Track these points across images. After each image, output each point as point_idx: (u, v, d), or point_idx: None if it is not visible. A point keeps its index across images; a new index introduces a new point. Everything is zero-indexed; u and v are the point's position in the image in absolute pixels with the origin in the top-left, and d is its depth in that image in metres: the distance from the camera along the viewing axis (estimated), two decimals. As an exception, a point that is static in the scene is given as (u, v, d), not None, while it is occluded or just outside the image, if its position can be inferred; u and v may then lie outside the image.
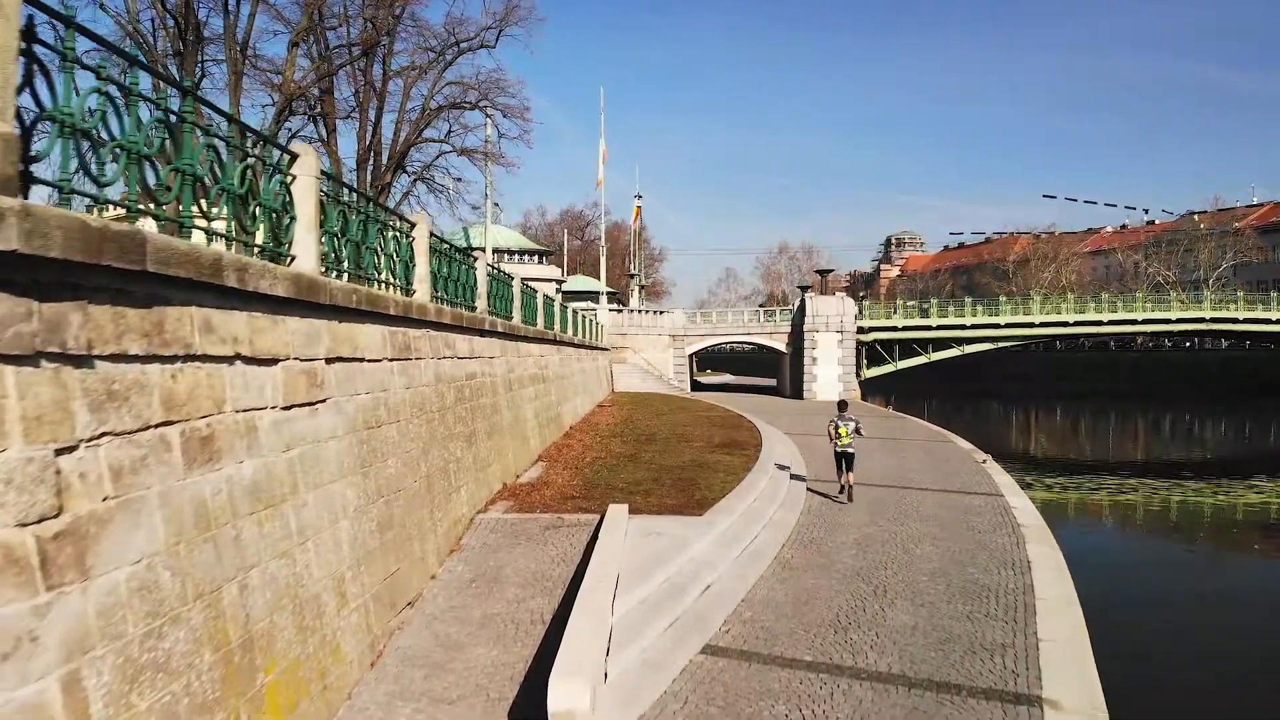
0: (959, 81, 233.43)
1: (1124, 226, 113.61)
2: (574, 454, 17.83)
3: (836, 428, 15.31)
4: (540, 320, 21.50)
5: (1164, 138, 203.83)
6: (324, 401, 7.05)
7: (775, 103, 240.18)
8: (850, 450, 15.30)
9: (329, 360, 7.21)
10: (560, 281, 60.06)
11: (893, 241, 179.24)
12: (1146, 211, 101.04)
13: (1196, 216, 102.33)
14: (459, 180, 44.31)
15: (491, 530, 10.65)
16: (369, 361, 8.17)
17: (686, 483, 14.14)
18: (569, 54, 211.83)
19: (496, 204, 48.13)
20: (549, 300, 23.64)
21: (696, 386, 60.93)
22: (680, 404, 35.18)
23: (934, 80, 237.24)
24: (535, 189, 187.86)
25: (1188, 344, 78.36)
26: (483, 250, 47.72)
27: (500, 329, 14.80)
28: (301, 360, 6.67)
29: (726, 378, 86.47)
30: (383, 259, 9.50)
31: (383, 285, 9.59)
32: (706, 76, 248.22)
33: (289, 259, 7.16)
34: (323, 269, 7.62)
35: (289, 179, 7.19)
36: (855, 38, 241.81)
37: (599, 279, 64.86)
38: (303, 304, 6.67)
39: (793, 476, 16.79)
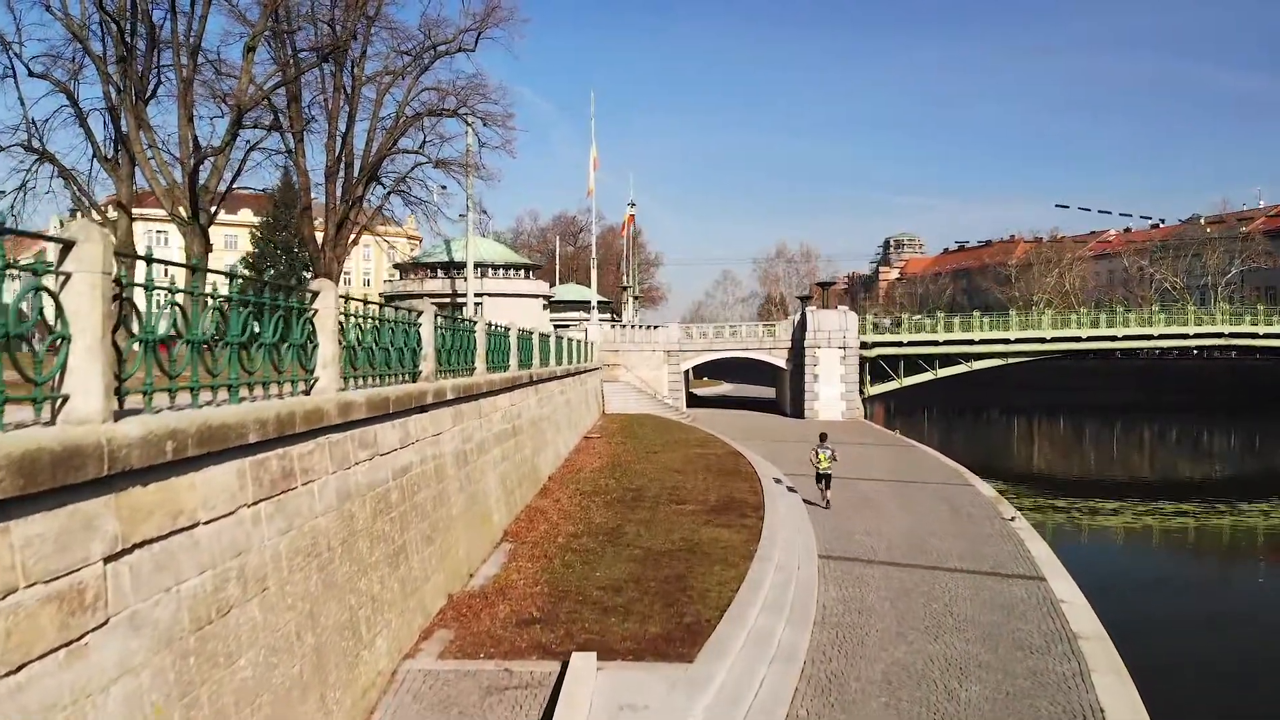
0: (957, 81, 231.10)
1: (1128, 230, 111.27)
2: (547, 527, 15.38)
3: (817, 455, 19.80)
4: (514, 361, 19.02)
5: (1168, 139, 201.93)
6: (104, 625, 4.60)
7: (772, 103, 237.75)
8: (829, 472, 19.73)
9: (116, 556, 4.76)
10: (548, 298, 57.50)
11: (891, 244, 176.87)
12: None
13: (1203, 220, 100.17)
14: (443, 188, 41.89)
15: (416, 696, 8.17)
16: (210, 523, 5.72)
17: (675, 585, 11.70)
18: (563, 51, 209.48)
19: (484, 211, 45.88)
20: (525, 336, 21.15)
21: (692, 400, 58.51)
22: (674, 434, 32.73)
23: (932, 79, 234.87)
24: (529, 190, 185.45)
25: (1195, 351, 75.96)
26: (464, 266, 45.28)
27: (451, 395, 12.33)
28: (47, 582, 4.21)
29: (724, 387, 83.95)
30: (258, 355, 7.05)
31: (264, 388, 7.16)
32: (702, 76, 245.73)
33: (56, 403, 4.71)
34: (123, 402, 5.17)
35: (60, 278, 4.74)
36: (852, 37, 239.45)
37: (590, 286, 62.26)
38: (46, 494, 4.21)
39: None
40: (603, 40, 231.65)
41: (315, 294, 8.31)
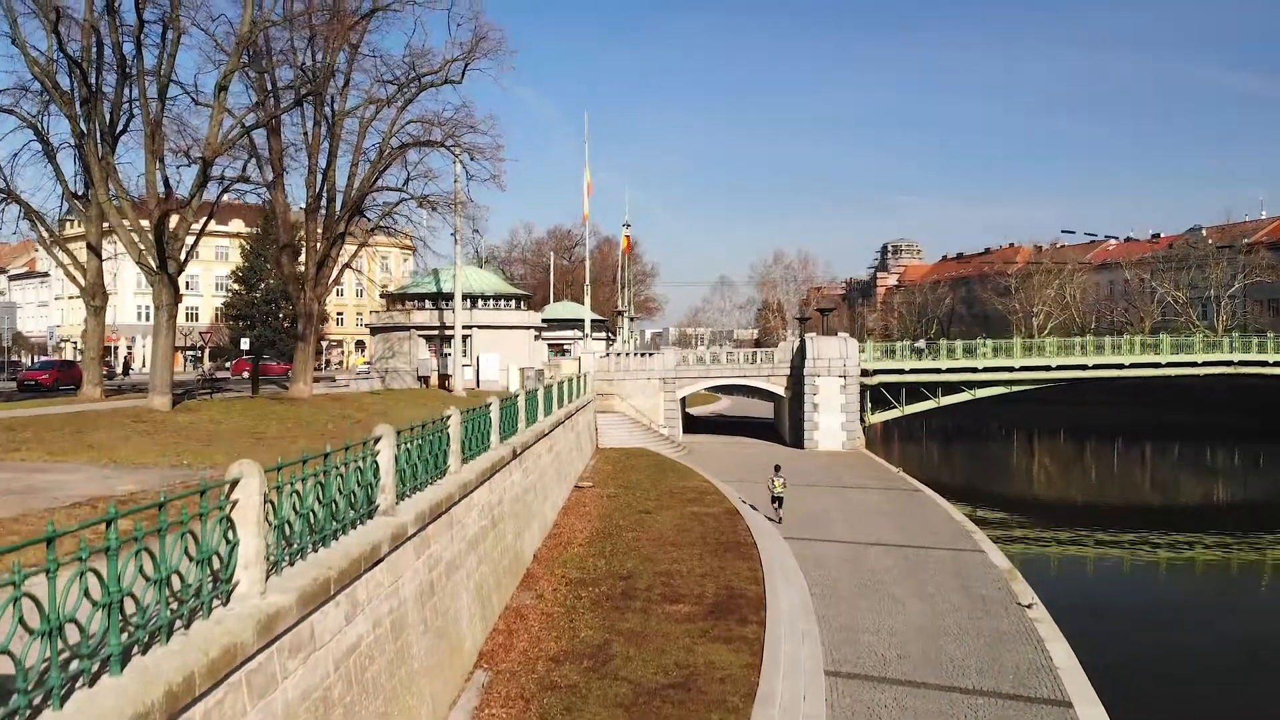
0: (957, 82, 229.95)
1: (1130, 238, 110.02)
2: (526, 643, 14.07)
3: (773, 482, 25.54)
4: (495, 438, 17.69)
5: (1171, 139, 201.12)
6: None
7: (771, 104, 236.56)
8: (781, 495, 25.51)
9: None
10: (539, 328, 56.02)
11: (889, 249, 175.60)
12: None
13: (1204, 231, 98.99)
14: (434, 209, 40.54)
15: None
16: None
17: (666, 747, 10.41)
18: (563, 53, 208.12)
19: (476, 231, 44.18)
20: (509, 404, 19.83)
21: (689, 422, 57.10)
22: (669, 481, 31.42)
23: (932, 80, 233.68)
24: (527, 190, 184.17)
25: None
26: (452, 296, 43.92)
27: (414, 528, 10.99)
28: None
29: (723, 403, 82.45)
30: (149, 591, 5.74)
31: (160, 632, 5.84)
32: (701, 78, 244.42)
33: None
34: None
35: None
36: (853, 38, 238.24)
37: (584, 304, 60.84)
38: None
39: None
40: (602, 42, 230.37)
41: (235, 483, 6.99)
